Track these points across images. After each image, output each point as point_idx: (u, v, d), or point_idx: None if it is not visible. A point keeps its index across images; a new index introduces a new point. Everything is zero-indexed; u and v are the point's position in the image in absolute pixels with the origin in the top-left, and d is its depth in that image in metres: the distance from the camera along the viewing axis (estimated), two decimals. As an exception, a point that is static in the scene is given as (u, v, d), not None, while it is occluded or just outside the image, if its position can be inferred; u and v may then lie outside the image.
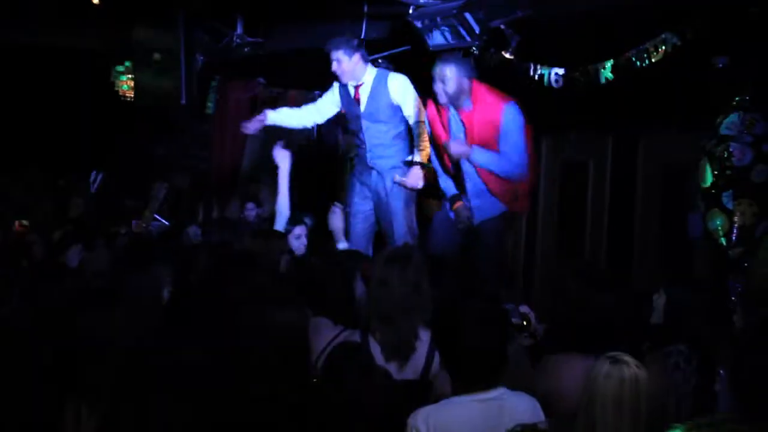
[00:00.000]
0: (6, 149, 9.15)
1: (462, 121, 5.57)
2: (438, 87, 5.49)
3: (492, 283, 5.35)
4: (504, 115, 5.46)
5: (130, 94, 9.97)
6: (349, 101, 6.14)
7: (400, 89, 5.97)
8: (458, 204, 5.76)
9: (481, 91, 5.53)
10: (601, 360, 2.91)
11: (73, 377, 2.97)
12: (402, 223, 6.04)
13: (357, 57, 5.95)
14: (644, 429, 2.84)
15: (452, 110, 5.59)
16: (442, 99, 5.50)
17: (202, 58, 8.49)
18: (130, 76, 9.83)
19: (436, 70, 5.50)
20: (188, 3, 7.99)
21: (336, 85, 6.21)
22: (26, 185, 8.65)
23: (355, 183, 6.30)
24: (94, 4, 8.23)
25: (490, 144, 5.51)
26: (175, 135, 9.47)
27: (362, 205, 6.24)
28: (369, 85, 6.04)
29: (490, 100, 5.51)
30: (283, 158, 6.06)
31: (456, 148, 5.50)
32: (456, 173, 5.73)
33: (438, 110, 5.64)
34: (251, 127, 6.53)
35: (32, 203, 8.06)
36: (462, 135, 5.56)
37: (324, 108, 6.39)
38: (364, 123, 6.07)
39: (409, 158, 5.99)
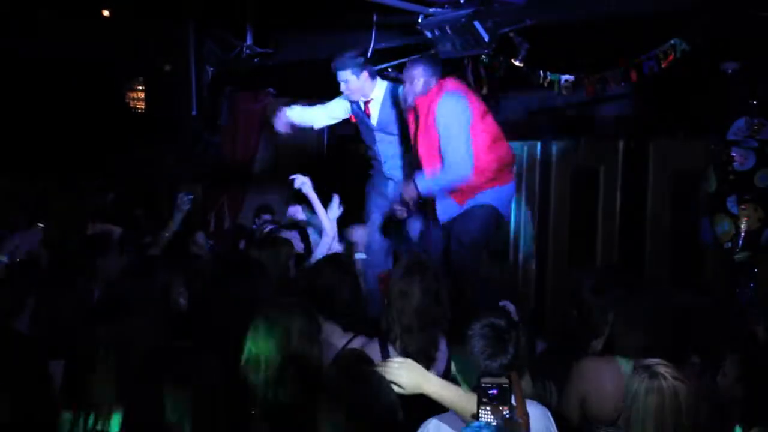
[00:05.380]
0: (20, 156, 9.21)
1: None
2: (407, 88, 5.43)
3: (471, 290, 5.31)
4: (438, 107, 5.29)
5: (141, 105, 10.03)
6: (361, 115, 6.14)
7: None
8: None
9: (440, 86, 5.41)
10: (638, 373, 2.91)
11: (84, 386, 3.00)
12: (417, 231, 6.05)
13: (365, 75, 5.94)
14: None
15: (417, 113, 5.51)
16: (410, 100, 5.42)
17: (212, 69, 8.51)
18: (141, 87, 9.89)
19: (405, 71, 5.46)
20: (198, 14, 8.02)
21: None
22: (39, 191, 8.69)
23: (372, 193, 6.30)
24: (105, 17, 8.28)
25: (432, 137, 5.38)
26: (185, 145, 9.49)
27: (379, 214, 6.24)
28: (379, 100, 6.02)
29: (432, 90, 5.37)
30: (303, 184, 6.07)
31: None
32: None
33: (416, 120, 5.53)
34: (282, 126, 6.38)
35: (45, 209, 8.09)
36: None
37: (334, 111, 6.34)
38: (378, 135, 6.08)
39: None
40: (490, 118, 5.45)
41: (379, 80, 6.05)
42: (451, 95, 5.32)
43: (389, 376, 2.84)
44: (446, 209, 5.53)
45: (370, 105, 6.06)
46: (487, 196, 5.44)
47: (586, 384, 3.47)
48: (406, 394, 2.87)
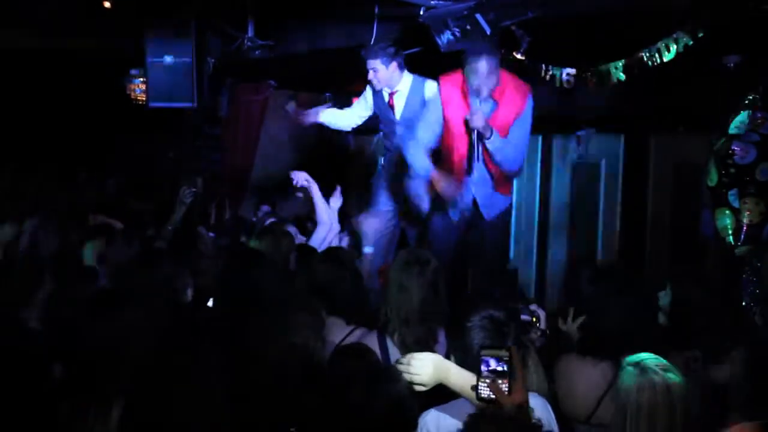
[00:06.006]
0: (20, 148, 9.21)
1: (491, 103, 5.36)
2: (476, 81, 5.15)
3: (493, 277, 5.36)
4: (527, 104, 5.32)
5: (142, 97, 10.01)
6: (383, 106, 6.12)
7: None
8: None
9: (505, 77, 5.31)
10: (628, 370, 2.89)
11: (86, 382, 3.00)
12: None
13: (394, 65, 5.93)
14: None
15: (473, 99, 5.27)
16: (484, 91, 5.17)
17: (213, 60, 8.50)
18: (141, 79, 9.86)
19: (471, 65, 5.17)
20: (200, 6, 8.01)
21: (369, 89, 6.20)
22: (39, 183, 8.70)
23: (381, 185, 6.29)
24: (106, 8, 8.26)
25: (502, 129, 5.30)
26: (186, 138, 9.49)
27: (387, 207, 6.24)
28: (405, 93, 6.00)
29: (516, 85, 5.33)
30: (305, 180, 6.06)
31: (479, 120, 5.14)
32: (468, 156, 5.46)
33: (463, 93, 5.35)
34: (307, 119, 6.44)
35: (45, 199, 8.10)
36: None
37: (359, 112, 6.40)
38: (399, 129, 6.06)
39: None
40: None
41: (406, 73, 6.03)
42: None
43: (411, 372, 2.81)
44: (494, 204, 5.59)
45: (395, 97, 6.03)
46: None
47: (560, 381, 3.48)
48: (427, 387, 2.83)
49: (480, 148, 5.28)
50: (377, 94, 6.12)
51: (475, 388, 2.53)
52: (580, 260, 7.34)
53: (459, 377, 2.84)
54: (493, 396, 2.49)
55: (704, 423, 3.00)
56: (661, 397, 2.81)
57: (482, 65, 5.14)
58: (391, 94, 6.04)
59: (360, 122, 6.53)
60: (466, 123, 5.27)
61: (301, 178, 6.03)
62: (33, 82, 9.39)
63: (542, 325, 3.92)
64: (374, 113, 6.29)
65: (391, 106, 6.05)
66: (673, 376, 2.83)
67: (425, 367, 2.81)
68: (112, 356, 3.02)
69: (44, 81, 9.42)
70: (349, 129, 6.65)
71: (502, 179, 5.52)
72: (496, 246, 5.66)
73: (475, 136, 5.23)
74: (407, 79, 6.01)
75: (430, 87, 5.88)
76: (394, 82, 5.99)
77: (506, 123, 5.32)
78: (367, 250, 5.82)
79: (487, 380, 2.51)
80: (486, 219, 5.61)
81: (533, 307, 4.01)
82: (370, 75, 5.96)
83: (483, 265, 5.62)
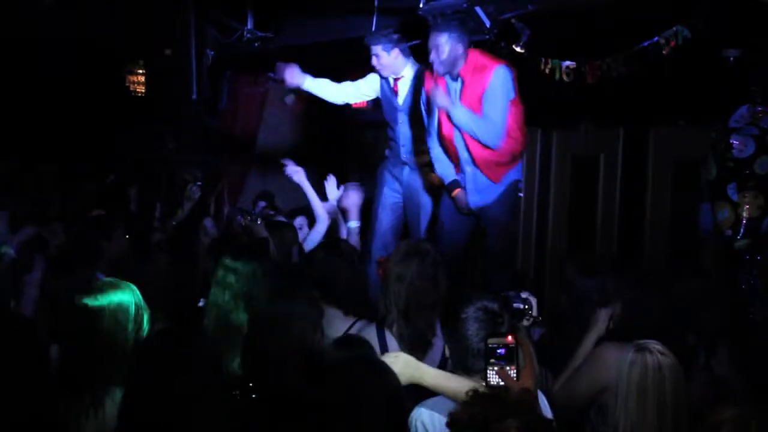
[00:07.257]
0: (16, 142, 9.19)
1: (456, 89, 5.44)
2: (433, 56, 5.29)
3: (496, 273, 5.35)
4: (492, 77, 5.25)
5: (141, 89, 10.01)
6: (389, 91, 6.09)
7: None
8: (457, 191, 5.59)
9: (474, 56, 5.35)
10: (628, 348, 2.96)
11: (82, 370, 3.00)
12: (429, 218, 6.05)
13: (396, 51, 5.88)
14: (671, 416, 2.85)
15: (449, 80, 5.43)
16: (439, 69, 5.31)
17: (212, 53, 8.50)
18: (141, 71, 9.86)
19: (430, 39, 5.30)
20: (199, -2, 8.02)
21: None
22: (36, 178, 8.70)
23: (386, 175, 6.26)
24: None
25: (474, 109, 5.33)
26: (185, 130, 9.49)
27: (392, 198, 6.21)
28: (409, 79, 5.98)
29: (481, 63, 5.32)
30: (296, 173, 6.05)
31: (441, 97, 5.28)
32: (450, 148, 5.56)
33: (435, 81, 5.42)
34: (290, 79, 6.24)
35: (43, 195, 8.10)
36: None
37: (364, 90, 6.27)
38: (401, 116, 6.04)
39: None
40: (518, 99, 5.45)
41: (411, 61, 6.01)
42: (506, 70, 5.29)
43: None
44: (482, 190, 5.53)
45: (399, 83, 6.00)
46: (516, 173, 5.57)
47: (591, 368, 3.44)
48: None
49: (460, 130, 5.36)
50: (383, 80, 6.10)
51: (484, 376, 2.55)
52: (569, 253, 7.31)
53: (436, 378, 2.89)
54: (502, 382, 2.51)
55: (698, 409, 3.01)
56: (652, 373, 2.85)
57: (443, 40, 5.23)
58: (395, 80, 6.02)
59: (355, 100, 6.44)
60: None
61: (289, 167, 6.04)
62: (32, 73, 9.37)
63: (534, 312, 3.93)
64: (378, 98, 6.24)
65: (396, 92, 6.03)
66: (668, 360, 2.86)
67: (395, 366, 2.80)
68: (104, 345, 3.03)
69: (44, 73, 9.40)
70: (341, 103, 6.51)
71: (481, 154, 5.43)
72: (497, 243, 5.59)
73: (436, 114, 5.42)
74: (412, 67, 5.99)
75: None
76: (398, 69, 5.96)
77: (474, 100, 5.32)
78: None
79: (495, 367, 2.53)
80: (473, 206, 5.57)
81: (525, 294, 4.02)
82: (373, 60, 5.92)
83: (486, 262, 5.59)
